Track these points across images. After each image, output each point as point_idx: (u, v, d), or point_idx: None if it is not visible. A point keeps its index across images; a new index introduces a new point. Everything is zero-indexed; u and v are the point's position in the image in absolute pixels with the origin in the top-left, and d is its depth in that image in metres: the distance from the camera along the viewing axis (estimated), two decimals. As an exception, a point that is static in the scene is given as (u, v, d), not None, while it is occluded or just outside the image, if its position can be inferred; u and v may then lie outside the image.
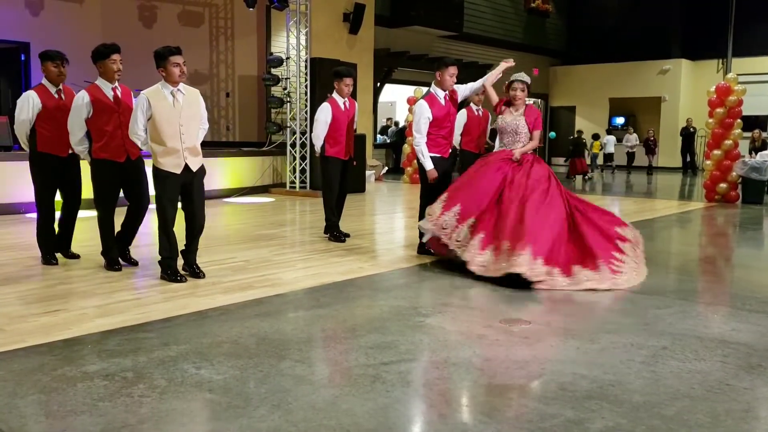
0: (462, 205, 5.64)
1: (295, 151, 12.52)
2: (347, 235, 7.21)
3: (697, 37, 22.39)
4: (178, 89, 4.99)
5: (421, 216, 6.13)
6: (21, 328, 3.91)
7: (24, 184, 8.75)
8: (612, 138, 21.05)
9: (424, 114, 6.09)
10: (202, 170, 5.18)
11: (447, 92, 6.22)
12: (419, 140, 6.10)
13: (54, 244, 5.84)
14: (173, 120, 4.96)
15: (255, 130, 14.29)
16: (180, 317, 4.19)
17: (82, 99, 5.31)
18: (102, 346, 3.62)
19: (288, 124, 12.76)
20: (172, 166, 4.99)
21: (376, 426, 2.70)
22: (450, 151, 6.38)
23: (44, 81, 5.62)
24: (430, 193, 6.17)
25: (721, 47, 21.02)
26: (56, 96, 5.59)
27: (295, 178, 12.54)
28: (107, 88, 5.36)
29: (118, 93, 5.40)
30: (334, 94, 7.13)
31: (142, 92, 4.97)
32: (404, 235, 7.99)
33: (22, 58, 11.01)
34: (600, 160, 20.95)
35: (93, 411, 2.79)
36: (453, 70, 6.17)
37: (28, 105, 5.52)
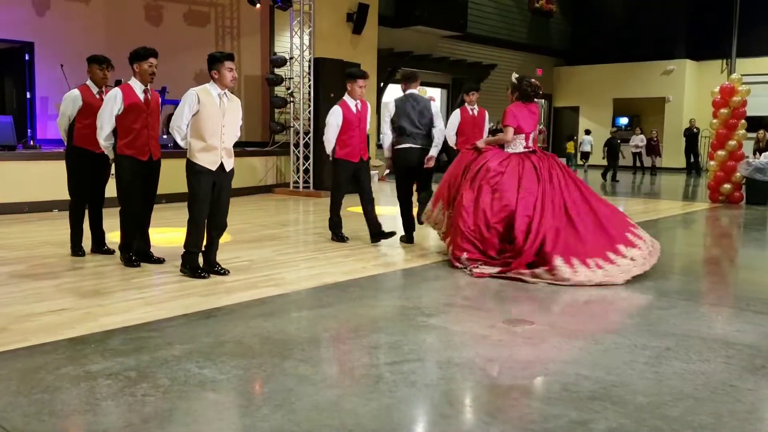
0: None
1: (299, 151, 12.53)
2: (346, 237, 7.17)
3: (701, 37, 22.35)
4: (225, 93, 5.19)
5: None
6: (25, 327, 3.92)
7: (27, 184, 8.83)
8: (588, 138, 21.33)
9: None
10: (232, 171, 5.34)
11: None
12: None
13: (81, 236, 6.07)
14: (217, 119, 5.14)
15: (258, 130, 14.31)
16: (184, 317, 4.20)
17: (114, 96, 5.50)
18: (106, 345, 3.63)
19: (291, 124, 12.77)
20: (209, 162, 5.13)
21: (380, 426, 2.70)
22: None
23: (88, 82, 6.02)
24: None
25: (725, 48, 20.94)
26: (98, 96, 5.96)
27: (298, 178, 12.54)
28: (139, 89, 5.55)
29: (149, 95, 5.59)
30: (346, 96, 7.01)
31: (192, 89, 5.17)
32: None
33: (26, 58, 11.02)
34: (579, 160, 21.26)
35: (96, 410, 2.80)
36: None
37: (70, 101, 5.91)
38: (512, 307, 4.65)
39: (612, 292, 5.06)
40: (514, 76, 6.15)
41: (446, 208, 6.07)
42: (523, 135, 5.90)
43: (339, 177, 7.07)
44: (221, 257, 5.55)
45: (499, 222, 5.60)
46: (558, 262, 5.26)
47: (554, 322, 4.27)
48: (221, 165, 5.19)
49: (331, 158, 7.10)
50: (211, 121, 5.12)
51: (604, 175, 17.68)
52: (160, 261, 5.71)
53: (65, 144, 6.08)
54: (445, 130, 7.14)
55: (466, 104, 8.41)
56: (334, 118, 6.90)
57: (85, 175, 5.98)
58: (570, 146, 20.93)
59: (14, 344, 3.60)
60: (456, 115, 8.39)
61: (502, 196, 5.63)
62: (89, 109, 5.85)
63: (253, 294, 4.80)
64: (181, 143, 5.21)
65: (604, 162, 18.51)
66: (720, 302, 5.13)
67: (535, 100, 6.09)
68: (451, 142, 8.27)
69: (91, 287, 4.94)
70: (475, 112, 8.29)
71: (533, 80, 6.08)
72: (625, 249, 5.43)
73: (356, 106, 6.98)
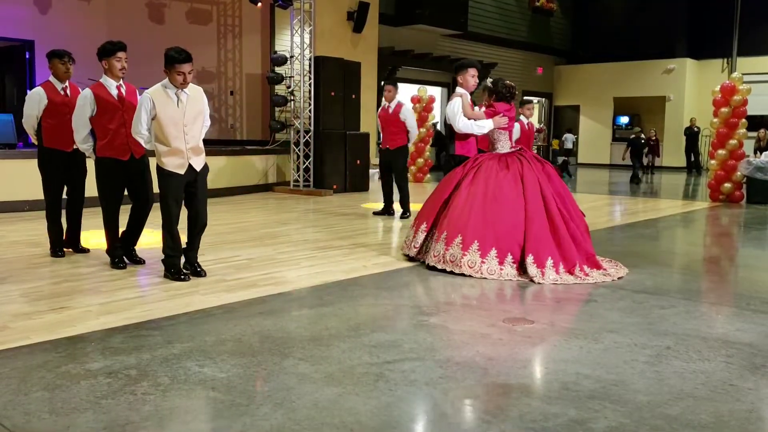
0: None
1: (299, 150, 12.52)
2: None
3: (702, 36, 22.35)
4: (182, 90, 4.98)
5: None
6: (26, 326, 3.92)
7: (27, 182, 8.83)
8: (570, 136, 21.58)
9: None
10: (205, 168, 5.18)
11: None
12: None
13: (61, 237, 5.99)
14: (177, 121, 4.96)
15: (259, 129, 14.31)
16: (184, 315, 4.20)
17: (85, 97, 5.36)
18: (106, 343, 3.63)
19: (292, 123, 12.77)
20: (176, 166, 5.00)
21: (379, 425, 2.70)
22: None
23: (51, 78, 5.82)
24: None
25: (726, 46, 20.97)
26: (62, 93, 5.79)
27: (298, 176, 12.55)
28: (112, 86, 5.39)
29: (123, 91, 5.43)
30: (459, 89, 6.39)
31: (146, 91, 4.98)
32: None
33: (27, 56, 11.03)
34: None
35: (96, 408, 2.80)
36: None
37: (35, 100, 5.74)
38: (512, 306, 4.65)
39: (612, 291, 5.06)
40: (489, 80, 6.25)
41: (429, 227, 5.89)
42: (507, 133, 5.95)
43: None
44: (221, 255, 5.55)
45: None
46: (529, 260, 5.31)
47: (554, 320, 4.27)
48: (190, 166, 5.04)
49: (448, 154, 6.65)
50: (171, 123, 4.92)
51: (634, 178, 16.76)
52: (141, 261, 5.65)
53: (36, 145, 5.90)
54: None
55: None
56: (458, 104, 6.17)
57: (58, 176, 5.85)
58: (555, 143, 21.35)
59: (15, 342, 3.60)
60: None
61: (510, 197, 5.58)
62: (54, 107, 5.70)
63: (254, 292, 4.80)
64: (147, 147, 5.08)
65: (621, 162, 18.47)
66: (720, 301, 5.13)
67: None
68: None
69: (92, 285, 4.94)
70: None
71: (508, 82, 6.11)
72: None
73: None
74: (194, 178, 5.09)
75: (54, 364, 3.29)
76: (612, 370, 3.34)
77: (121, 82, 5.44)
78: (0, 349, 3.50)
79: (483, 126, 6.09)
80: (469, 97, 6.31)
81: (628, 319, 4.29)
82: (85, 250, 6.07)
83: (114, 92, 5.38)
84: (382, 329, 3.98)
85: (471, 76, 6.43)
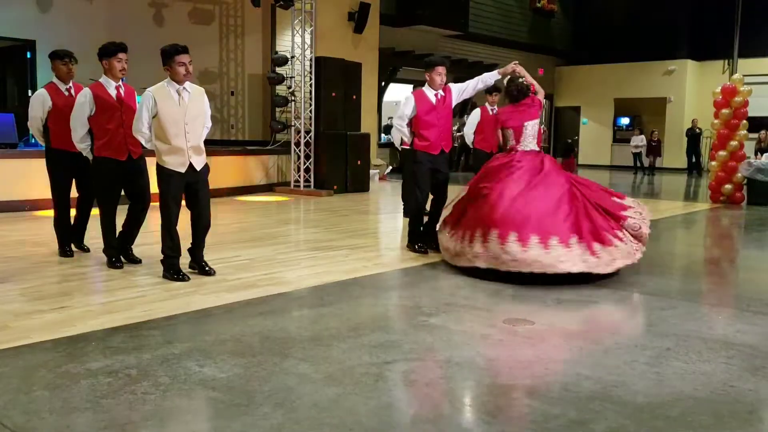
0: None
1: (300, 150, 12.52)
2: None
3: (702, 37, 22.33)
4: (184, 88, 4.99)
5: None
6: (26, 325, 3.92)
7: (28, 182, 8.83)
8: None
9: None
10: (206, 169, 5.18)
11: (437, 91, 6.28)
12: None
13: (69, 236, 6.00)
14: (178, 119, 4.95)
15: (260, 129, 14.32)
16: (184, 315, 4.20)
17: (84, 97, 5.36)
18: (106, 343, 3.63)
19: (292, 123, 12.77)
20: (177, 164, 4.99)
21: (379, 425, 2.70)
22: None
23: (54, 79, 5.80)
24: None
25: (726, 48, 20.93)
26: (66, 94, 5.78)
27: (299, 177, 12.54)
28: (111, 87, 5.39)
29: (122, 92, 5.42)
30: (425, 87, 6.34)
31: (147, 90, 4.97)
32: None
33: (28, 56, 11.03)
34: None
35: (96, 408, 2.80)
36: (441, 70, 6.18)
37: (38, 102, 5.72)
38: (512, 307, 4.65)
39: (612, 291, 5.06)
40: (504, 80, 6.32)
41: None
42: (511, 131, 5.94)
43: (416, 173, 6.37)
44: (222, 255, 5.55)
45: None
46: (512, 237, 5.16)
47: (554, 321, 4.27)
48: (191, 165, 5.02)
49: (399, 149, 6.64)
50: (172, 121, 4.91)
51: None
52: (137, 261, 5.63)
53: (43, 146, 5.91)
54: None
55: (486, 104, 8.49)
56: (406, 107, 6.30)
57: (66, 176, 5.85)
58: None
59: (15, 342, 3.60)
60: (476, 113, 8.38)
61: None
62: (59, 108, 5.68)
63: (254, 292, 4.80)
64: (148, 146, 5.07)
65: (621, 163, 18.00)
66: (720, 303, 5.13)
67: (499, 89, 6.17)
68: (469, 140, 8.24)
69: (92, 285, 4.95)
70: (495, 112, 8.33)
71: (520, 80, 6.07)
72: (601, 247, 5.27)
73: (436, 95, 6.28)
74: (195, 179, 5.08)
75: (54, 364, 3.29)
76: (612, 371, 3.34)
77: (120, 83, 5.43)
78: (1, 348, 3.50)
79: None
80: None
81: (629, 320, 4.29)
82: (86, 249, 6.07)
83: (113, 92, 5.38)
84: (382, 329, 3.98)
85: (438, 74, 6.19)
